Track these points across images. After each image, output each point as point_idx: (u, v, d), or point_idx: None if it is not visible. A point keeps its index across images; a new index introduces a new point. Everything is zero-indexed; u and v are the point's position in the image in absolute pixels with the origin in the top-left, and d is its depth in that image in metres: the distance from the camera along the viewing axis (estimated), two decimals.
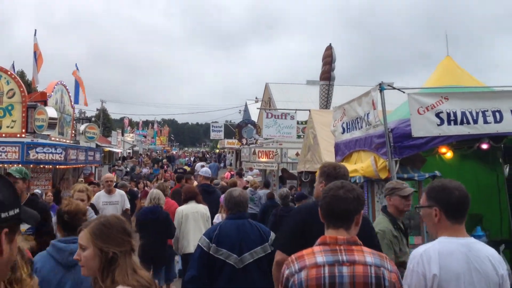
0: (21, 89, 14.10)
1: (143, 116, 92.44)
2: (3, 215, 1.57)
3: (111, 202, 9.85)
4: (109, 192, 9.94)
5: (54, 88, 16.03)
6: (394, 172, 6.18)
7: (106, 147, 36.11)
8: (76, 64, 19.98)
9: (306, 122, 15.10)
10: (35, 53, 16.22)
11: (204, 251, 4.53)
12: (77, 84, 19.26)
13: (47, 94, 15.52)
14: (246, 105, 49.60)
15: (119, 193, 10.19)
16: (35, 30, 16.61)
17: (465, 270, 2.78)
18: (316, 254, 2.67)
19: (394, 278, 2.68)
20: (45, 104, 14.96)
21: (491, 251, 2.94)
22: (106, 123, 56.79)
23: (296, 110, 15.89)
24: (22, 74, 36.04)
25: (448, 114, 6.23)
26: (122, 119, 71.88)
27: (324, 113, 11.87)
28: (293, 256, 2.75)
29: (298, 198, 9.92)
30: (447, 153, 7.31)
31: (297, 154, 14.97)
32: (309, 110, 11.86)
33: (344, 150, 7.98)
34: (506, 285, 2.86)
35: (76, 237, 2.80)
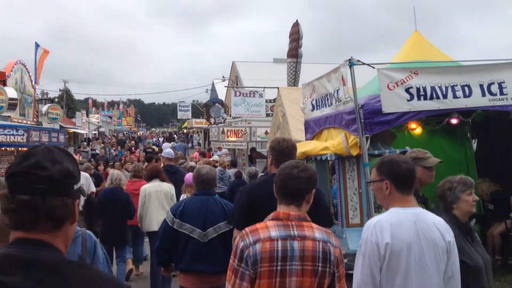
0: None
1: (108, 96, 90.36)
2: (75, 186, 1.68)
3: None
4: None
5: (13, 67, 15.44)
6: (365, 149, 6.14)
7: (70, 128, 35.40)
8: (36, 42, 19.21)
9: (274, 100, 14.98)
10: None
11: (168, 226, 4.77)
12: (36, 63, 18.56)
13: (6, 74, 14.93)
14: (213, 84, 48.97)
15: (84, 176, 9.60)
16: None
17: (414, 238, 2.91)
18: (270, 229, 2.81)
19: (337, 253, 2.85)
20: (4, 84, 14.39)
21: (438, 219, 3.07)
22: (69, 104, 55.35)
23: (264, 88, 15.70)
24: None
25: (418, 89, 6.20)
26: (86, 100, 70.41)
27: (293, 90, 11.75)
28: (247, 229, 2.87)
29: None
30: (416, 129, 7.32)
31: (266, 133, 14.87)
32: (278, 88, 11.72)
33: (314, 127, 7.89)
34: (454, 251, 3.00)
35: None
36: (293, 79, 15.79)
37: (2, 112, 13.73)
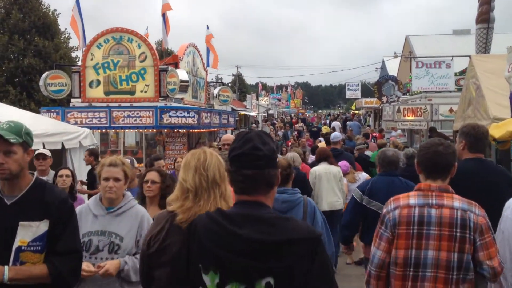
0: (152, 52, 13.87)
1: (277, 79, 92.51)
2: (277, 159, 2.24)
3: None
4: None
5: (186, 50, 15.69)
6: None
7: (241, 111, 36.51)
8: (207, 25, 19.51)
9: (461, 73, 13.04)
10: (163, 15, 15.91)
11: (357, 202, 5.21)
12: (208, 49, 18.84)
13: (179, 57, 15.23)
14: (383, 62, 46.74)
15: None
16: None
17: None
18: (410, 198, 3.11)
19: (482, 221, 2.96)
20: (176, 66, 14.65)
21: None
22: (241, 88, 57.62)
23: (453, 56, 13.68)
24: (160, 43, 37.12)
25: None
26: (256, 84, 72.83)
27: (488, 58, 9.88)
28: (391, 199, 3.21)
29: None
30: None
31: (450, 111, 13.00)
32: (470, 56, 9.91)
33: None
34: None
35: None
36: (484, 48, 13.56)
37: (174, 94, 13.97)
